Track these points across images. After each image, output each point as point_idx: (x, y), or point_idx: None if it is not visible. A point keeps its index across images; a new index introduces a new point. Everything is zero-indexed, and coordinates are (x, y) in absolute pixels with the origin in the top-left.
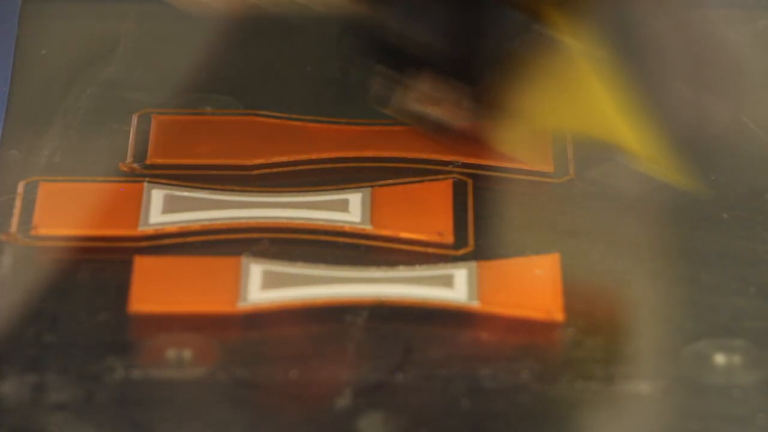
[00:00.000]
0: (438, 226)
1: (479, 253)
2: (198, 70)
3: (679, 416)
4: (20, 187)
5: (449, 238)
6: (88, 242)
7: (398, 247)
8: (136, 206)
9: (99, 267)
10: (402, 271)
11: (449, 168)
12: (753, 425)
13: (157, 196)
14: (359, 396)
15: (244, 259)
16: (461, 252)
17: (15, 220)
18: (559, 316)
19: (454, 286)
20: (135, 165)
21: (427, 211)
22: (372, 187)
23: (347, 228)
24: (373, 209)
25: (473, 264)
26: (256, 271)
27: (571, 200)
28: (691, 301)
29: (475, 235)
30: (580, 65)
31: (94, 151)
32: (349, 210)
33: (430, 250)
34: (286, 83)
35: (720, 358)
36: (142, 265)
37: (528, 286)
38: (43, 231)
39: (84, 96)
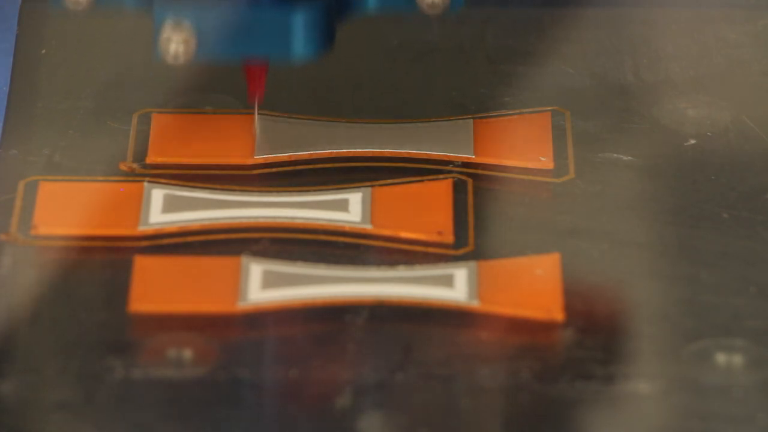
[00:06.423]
0: (438, 226)
1: (479, 253)
2: (198, 70)
3: (679, 416)
4: (20, 187)
5: (449, 238)
6: (88, 242)
7: (398, 247)
8: (136, 206)
9: (99, 267)
10: (402, 271)
11: (449, 168)
12: (753, 425)
13: (157, 195)
14: (359, 396)
15: (244, 259)
16: (461, 252)
17: (15, 220)
18: (559, 315)
19: (454, 286)
20: (135, 165)
21: (427, 211)
22: (372, 186)
23: (347, 228)
24: (373, 209)
25: (473, 264)
26: (256, 270)
27: (571, 200)
28: (691, 301)
29: (475, 235)
30: None
31: (94, 150)
32: (349, 210)
33: (430, 249)
34: (286, 83)
35: (720, 358)
36: (142, 265)
37: (528, 285)
38: (43, 231)
39: (84, 96)
